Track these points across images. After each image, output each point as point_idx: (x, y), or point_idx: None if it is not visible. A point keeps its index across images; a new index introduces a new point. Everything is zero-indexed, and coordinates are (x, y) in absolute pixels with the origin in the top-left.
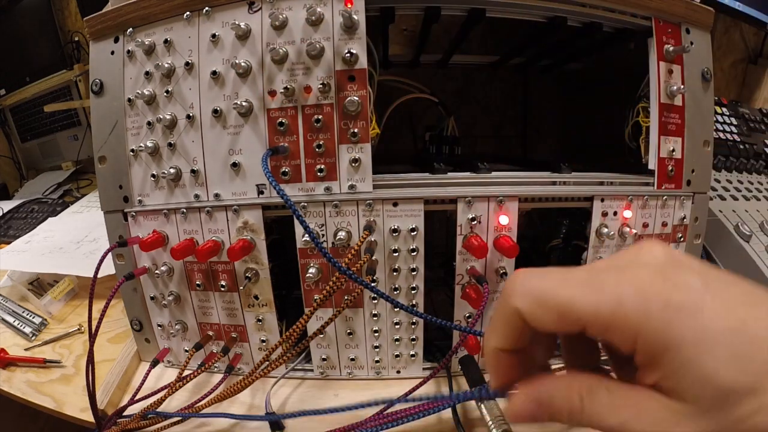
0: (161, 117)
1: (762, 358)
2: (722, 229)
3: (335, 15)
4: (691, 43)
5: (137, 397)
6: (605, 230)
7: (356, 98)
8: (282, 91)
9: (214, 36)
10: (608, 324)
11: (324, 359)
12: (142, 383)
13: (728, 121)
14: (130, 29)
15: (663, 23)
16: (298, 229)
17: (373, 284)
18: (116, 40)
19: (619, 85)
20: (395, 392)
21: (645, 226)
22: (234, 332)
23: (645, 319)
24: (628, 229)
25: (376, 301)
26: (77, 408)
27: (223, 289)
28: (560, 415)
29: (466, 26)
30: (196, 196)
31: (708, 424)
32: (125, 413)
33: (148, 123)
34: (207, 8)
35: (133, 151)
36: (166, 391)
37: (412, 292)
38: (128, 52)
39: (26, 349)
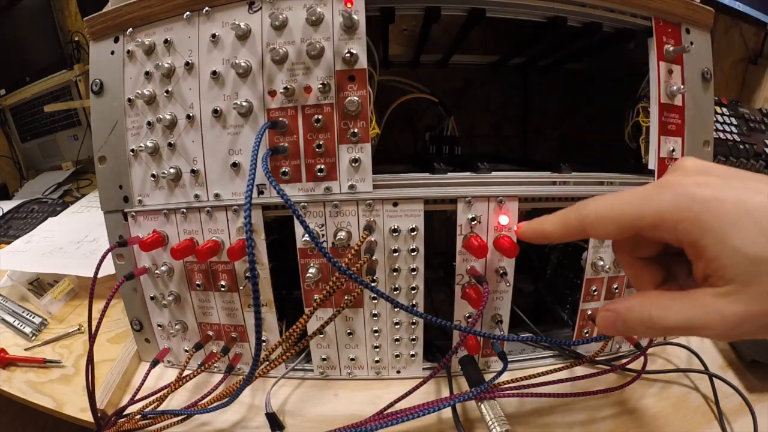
0: (161, 117)
1: None
2: None
3: (335, 15)
4: (691, 43)
5: (137, 397)
6: None
7: (356, 98)
8: (282, 91)
9: (214, 36)
10: (655, 224)
11: (324, 359)
12: (142, 383)
13: (728, 121)
14: (130, 29)
15: (663, 23)
16: (298, 229)
17: (373, 284)
18: (116, 40)
19: (619, 85)
20: (395, 392)
21: None
22: (234, 332)
23: (678, 214)
24: None
25: (376, 301)
26: (77, 408)
27: (223, 289)
28: (634, 326)
29: (466, 26)
30: (196, 196)
31: (752, 299)
32: (125, 413)
33: (148, 123)
34: (207, 8)
35: (133, 151)
36: (166, 390)
37: (412, 292)
38: (128, 52)
39: (26, 349)
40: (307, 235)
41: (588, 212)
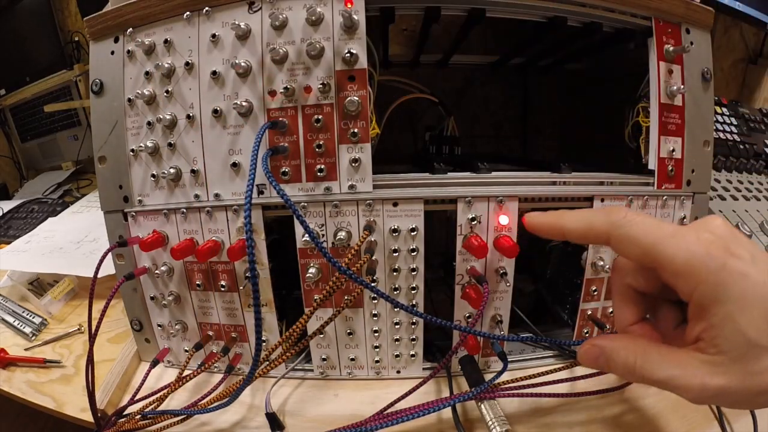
0: (161, 117)
1: None
2: None
3: (335, 15)
4: (691, 43)
5: (137, 397)
6: None
7: (356, 98)
8: (282, 91)
9: (214, 36)
10: (678, 271)
11: (324, 359)
12: (142, 383)
13: (728, 121)
14: (130, 29)
15: (663, 23)
16: (298, 229)
17: (373, 284)
18: (116, 40)
19: (619, 85)
20: (395, 392)
21: None
22: (234, 332)
23: (705, 273)
24: None
25: (376, 301)
26: (77, 408)
27: (223, 289)
28: (616, 367)
29: (466, 26)
30: (196, 196)
31: (734, 376)
32: (125, 413)
33: (148, 123)
34: (207, 8)
35: (133, 151)
36: (166, 390)
37: (412, 292)
38: (128, 52)
39: (26, 349)
40: (307, 235)
41: (622, 224)
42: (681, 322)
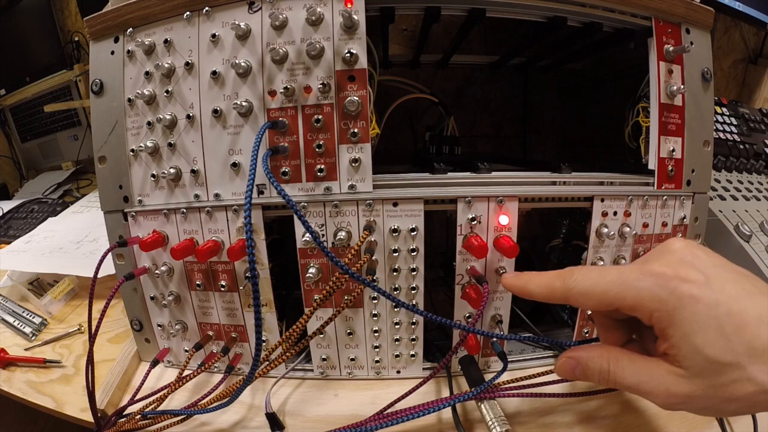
0: (161, 117)
1: (741, 341)
2: (722, 229)
3: (335, 15)
4: (691, 43)
5: (137, 397)
6: (605, 230)
7: (356, 98)
8: (282, 91)
9: (214, 36)
10: (632, 307)
11: (324, 359)
12: (142, 383)
13: (728, 121)
14: (130, 29)
15: (663, 23)
16: (299, 229)
17: (374, 283)
18: (116, 40)
19: (619, 85)
20: (395, 392)
21: (645, 226)
22: (234, 332)
23: (657, 303)
24: (628, 229)
25: (376, 301)
26: (77, 408)
27: (223, 289)
28: (592, 374)
29: (466, 26)
30: (196, 196)
31: (697, 387)
32: (125, 413)
33: (148, 123)
34: (207, 8)
35: (133, 151)
36: (166, 390)
37: (412, 292)
38: (128, 52)
39: (26, 349)
40: (308, 234)
41: (573, 285)
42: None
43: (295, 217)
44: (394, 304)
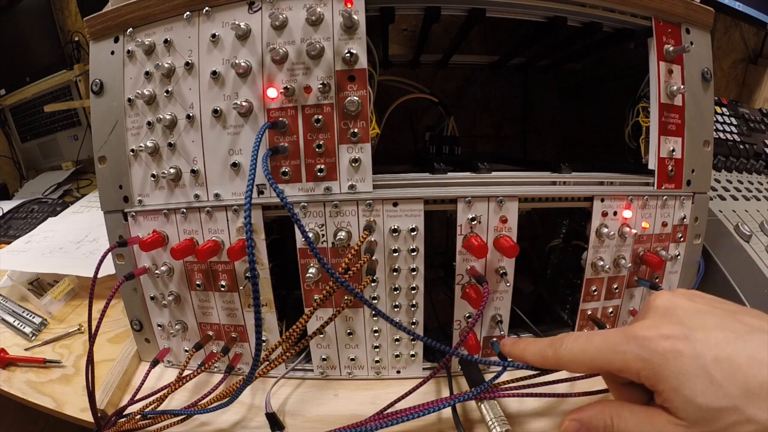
0: (161, 117)
1: (735, 384)
2: (722, 229)
3: (335, 15)
4: (691, 43)
5: (137, 397)
6: (605, 230)
7: (356, 98)
8: (282, 91)
9: (214, 36)
10: (620, 369)
11: (324, 359)
12: (142, 383)
13: (728, 121)
14: (130, 29)
15: (663, 23)
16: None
17: (373, 284)
18: (116, 40)
19: (619, 85)
20: (395, 392)
21: (645, 226)
22: (234, 332)
23: (642, 363)
24: (628, 229)
25: (376, 301)
26: (77, 408)
27: (223, 289)
28: (597, 430)
29: (466, 26)
30: (196, 196)
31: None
32: (125, 413)
33: (148, 123)
34: (207, 8)
35: (133, 151)
36: (166, 390)
37: (412, 292)
38: (128, 52)
39: (26, 349)
40: (305, 239)
41: (563, 354)
42: None
43: (293, 220)
44: (393, 304)
